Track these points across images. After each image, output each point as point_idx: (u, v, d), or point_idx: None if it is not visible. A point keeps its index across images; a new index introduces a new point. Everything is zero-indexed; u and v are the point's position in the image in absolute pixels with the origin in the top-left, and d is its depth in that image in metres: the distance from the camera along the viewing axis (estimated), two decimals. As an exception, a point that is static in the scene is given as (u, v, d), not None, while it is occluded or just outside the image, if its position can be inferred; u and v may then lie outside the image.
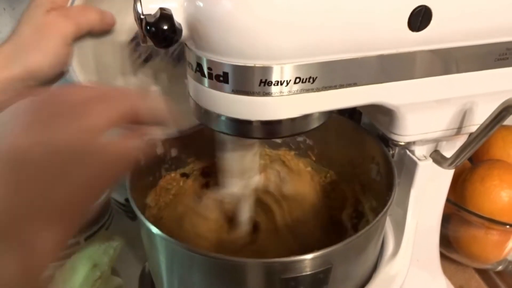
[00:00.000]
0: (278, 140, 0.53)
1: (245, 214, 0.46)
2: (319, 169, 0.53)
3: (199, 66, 0.32)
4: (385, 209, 0.35)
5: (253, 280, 0.34)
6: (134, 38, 0.44)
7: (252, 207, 0.46)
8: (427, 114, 0.37)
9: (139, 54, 0.44)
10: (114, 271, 0.59)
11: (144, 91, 0.44)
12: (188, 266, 0.35)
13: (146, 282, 0.61)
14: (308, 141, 0.52)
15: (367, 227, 0.34)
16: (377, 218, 0.35)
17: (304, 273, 0.33)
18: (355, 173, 0.48)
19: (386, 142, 0.42)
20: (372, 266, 0.41)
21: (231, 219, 0.46)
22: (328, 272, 0.34)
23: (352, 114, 0.56)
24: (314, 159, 0.53)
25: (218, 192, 0.45)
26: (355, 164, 0.48)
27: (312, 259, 0.33)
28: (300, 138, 0.52)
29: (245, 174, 0.44)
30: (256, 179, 0.46)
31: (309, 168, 0.53)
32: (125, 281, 0.58)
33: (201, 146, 0.50)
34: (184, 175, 0.52)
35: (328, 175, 0.52)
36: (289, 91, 0.31)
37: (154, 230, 0.34)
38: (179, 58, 0.45)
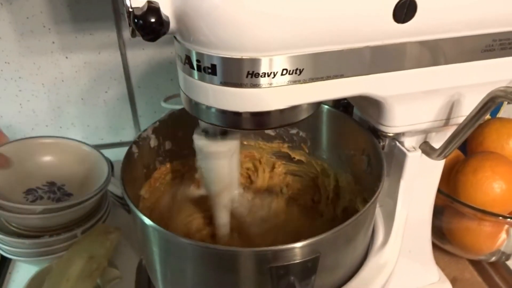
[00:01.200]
0: (272, 133, 0.54)
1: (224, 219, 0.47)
2: (311, 160, 0.53)
3: (188, 58, 0.32)
4: (373, 199, 0.36)
5: (244, 269, 0.35)
6: None
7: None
8: (415, 105, 0.37)
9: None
10: (111, 263, 0.60)
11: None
12: (180, 256, 0.36)
13: (143, 274, 0.62)
14: (301, 133, 0.52)
15: (355, 216, 0.35)
16: (365, 208, 0.35)
17: (293, 261, 0.33)
18: (347, 165, 0.49)
19: (377, 134, 0.43)
20: (362, 256, 0.42)
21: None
22: (316, 261, 0.34)
23: (346, 107, 0.56)
24: (307, 151, 0.53)
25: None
26: (347, 156, 0.48)
27: (301, 247, 0.33)
28: (293, 131, 0.53)
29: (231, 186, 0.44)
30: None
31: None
32: (122, 273, 0.59)
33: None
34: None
35: (321, 166, 0.53)
36: (277, 82, 0.31)
37: (147, 221, 0.35)
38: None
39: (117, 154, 0.71)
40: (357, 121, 0.45)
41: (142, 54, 0.79)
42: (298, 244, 0.33)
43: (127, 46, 0.77)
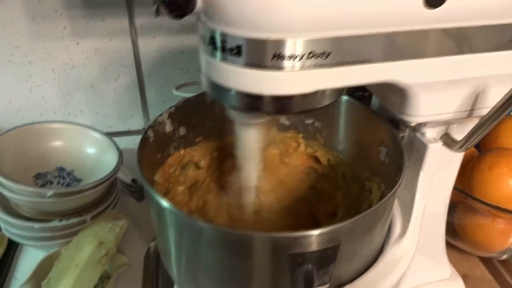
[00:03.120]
0: (286, 122, 0.53)
1: (251, 196, 0.46)
2: (326, 152, 0.53)
3: (212, 39, 0.32)
4: (394, 189, 0.35)
5: (260, 255, 0.34)
6: None
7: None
8: (440, 94, 0.36)
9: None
10: (119, 251, 0.60)
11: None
12: (196, 240, 0.35)
13: (151, 261, 0.62)
14: (316, 123, 0.52)
15: (376, 206, 0.34)
16: (386, 198, 0.35)
17: (311, 250, 0.33)
18: (363, 156, 0.48)
19: (396, 124, 0.42)
20: (379, 248, 0.41)
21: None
22: (336, 249, 0.34)
23: (361, 98, 0.56)
24: (322, 142, 0.52)
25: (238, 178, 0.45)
26: (364, 147, 0.48)
27: (320, 235, 0.33)
28: (308, 121, 0.52)
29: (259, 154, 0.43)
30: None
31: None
32: (130, 260, 0.59)
33: (209, 126, 0.51)
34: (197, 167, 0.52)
35: (335, 158, 0.52)
36: (302, 66, 0.31)
37: (163, 203, 0.35)
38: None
39: (125, 143, 0.71)
40: (375, 111, 0.45)
41: (153, 43, 0.78)
42: (317, 231, 0.32)
43: (139, 33, 0.76)
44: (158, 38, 0.78)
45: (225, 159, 0.51)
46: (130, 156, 0.71)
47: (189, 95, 0.50)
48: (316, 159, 0.53)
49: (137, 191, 0.70)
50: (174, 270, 0.41)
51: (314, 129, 0.52)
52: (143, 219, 0.67)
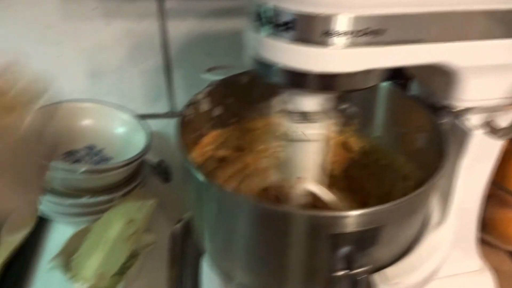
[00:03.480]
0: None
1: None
2: (359, 138, 0.52)
3: (263, 13, 0.31)
4: (440, 173, 0.35)
5: (301, 233, 0.34)
6: None
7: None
8: (488, 79, 0.36)
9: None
10: (146, 230, 0.60)
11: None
12: (234, 216, 0.35)
13: (177, 242, 0.62)
14: (351, 109, 0.51)
15: (420, 189, 0.34)
16: (430, 182, 0.34)
17: (353, 230, 0.33)
18: (399, 142, 0.48)
19: (436, 111, 0.42)
20: (415, 235, 0.41)
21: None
22: (378, 232, 0.33)
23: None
24: (355, 128, 0.52)
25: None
26: (400, 133, 0.47)
27: (362, 215, 0.32)
28: (344, 105, 0.51)
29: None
30: None
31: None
32: (156, 240, 0.59)
33: (244, 107, 0.50)
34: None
35: (369, 144, 0.52)
36: (354, 43, 0.30)
37: (202, 178, 0.35)
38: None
39: (151, 125, 0.71)
40: (415, 97, 0.44)
41: (182, 26, 0.78)
42: (361, 212, 0.32)
43: (168, 17, 0.76)
44: (187, 22, 0.78)
45: (257, 140, 0.51)
46: (157, 138, 0.72)
47: (218, 77, 0.49)
48: (347, 147, 0.53)
49: (164, 173, 0.70)
50: (208, 247, 0.41)
51: (349, 114, 0.52)
52: (168, 200, 0.67)
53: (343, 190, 0.54)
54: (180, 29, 0.78)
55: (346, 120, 0.52)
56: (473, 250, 0.54)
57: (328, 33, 0.30)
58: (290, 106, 0.37)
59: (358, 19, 0.29)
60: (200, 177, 0.35)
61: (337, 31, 0.30)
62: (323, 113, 0.38)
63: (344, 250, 0.34)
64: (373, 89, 0.46)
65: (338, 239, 0.33)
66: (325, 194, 0.43)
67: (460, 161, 0.41)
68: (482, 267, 0.55)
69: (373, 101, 0.48)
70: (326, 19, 0.29)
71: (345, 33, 0.30)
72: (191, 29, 0.79)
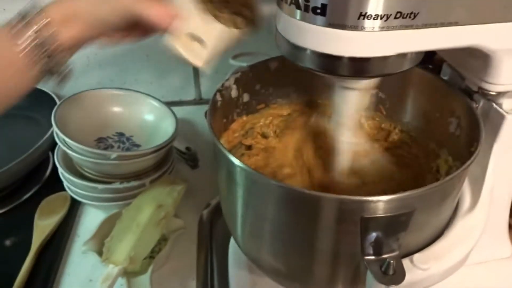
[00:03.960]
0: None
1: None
2: (388, 123, 0.52)
3: (295, -3, 0.31)
4: (472, 159, 0.34)
5: (333, 216, 0.34)
6: None
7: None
8: (525, 62, 0.35)
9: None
10: (175, 215, 0.61)
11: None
12: (266, 200, 0.36)
13: (205, 227, 0.63)
14: (380, 94, 0.51)
15: (452, 175, 0.34)
16: (464, 166, 0.34)
17: (386, 215, 0.33)
18: (429, 128, 0.47)
19: (469, 95, 0.41)
20: (447, 221, 0.40)
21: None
22: (410, 216, 0.33)
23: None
24: (384, 113, 0.52)
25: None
26: (431, 119, 0.46)
27: (395, 200, 0.32)
28: (372, 91, 0.51)
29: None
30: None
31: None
32: (185, 225, 0.60)
33: (272, 93, 0.51)
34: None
35: (397, 130, 0.51)
36: (388, 26, 0.30)
37: (235, 160, 0.35)
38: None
39: (178, 113, 0.72)
40: (447, 81, 0.44)
41: (208, 13, 0.78)
42: (393, 197, 0.32)
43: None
44: (212, 9, 0.78)
45: (287, 127, 0.51)
46: (183, 125, 0.73)
47: (244, 64, 0.50)
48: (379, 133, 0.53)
49: (191, 159, 0.71)
50: (238, 231, 0.41)
51: (377, 100, 0.51)
52: (196, 186, 0.68)
53: (377, 178, 0.54)
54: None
55: (374, 105, 0.52)
56: (505, 236, 0.53)
57: (361, 16, 0.30)
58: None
59: (389, 2, 0.29)
60: (233, 159, 0.35)
61: (370, 14, 0.29)
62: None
63: (374, 234, 0.34)
64: (404, 73, 0.46)
65: (368, 223, 0.33)
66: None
67: (493, 146, 0.40)
68: (512, 254, 0.54)
69: (402, 85, 0.48)
70: (359, 2, 0.29)
71: (378, 17, 0.29)
72: (217, 16, 0.79)
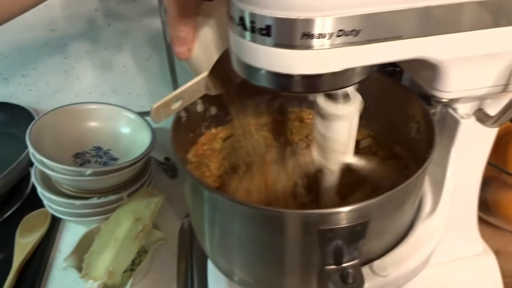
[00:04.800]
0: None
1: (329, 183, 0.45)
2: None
3: (242, 19, 0.32)
4: (424, 166, 0.35)
5: (292, 230, 0.35)
6: None
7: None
8: (473, 69, 0.36)
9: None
10: (155, 226, 0.62)
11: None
12: (229, 217, 0.37)
13: (185, 236, 0.64)
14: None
15: (406, 183, 0.34)
16: (416, 174, 0.35)
17: (341, 225, 0.34)
18: (394, 132, 0.48)
19: (428, 100, 0.42)
20: (409, 224, 0.41)
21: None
22: (366, 226, 0.34)
23: (392, 74, 0.55)
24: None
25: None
26: (395, 124, 0.47)
27: (350, 211, 0.33)
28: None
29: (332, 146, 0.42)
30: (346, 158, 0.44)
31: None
32: (165, 235, 0.61)
33: (240, 104, 0.51)
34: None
35: (367, 135, 0.52)
36: (332, 44, 0.31)
37: (197, 182, 0.36)
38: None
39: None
40: (407, 88, 0.44)
41: (183, 22, 0.79)
42: (347, 208, 0.33)
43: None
44: (187, 18, 0.79)
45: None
46: (163, 135, 0.74)
47: None
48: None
49: (170, 169, 0.72)
50: (207, 245, 0.42)
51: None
52: (176, 195, 0.69)
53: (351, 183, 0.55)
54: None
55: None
56: (475, 234, 0.54)
57: (305, 36, 0.30)
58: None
59: (331, 22, 0.29)
60: (195, 180, 0.36)
61: (312, 34, 0.30)
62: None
63: (333, 245, 0.35)
64: (365, 80, 0.47)
65: (326, 235, 0.34)
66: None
67: (451, 149, 0.41)
68: (485, 250, 0.55)
69: (366, 91, 0.48)
70: (302, 23, 0.30)
71: (320, 36, 0.30)
72: (192, 24, 0.80)
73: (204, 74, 0.41)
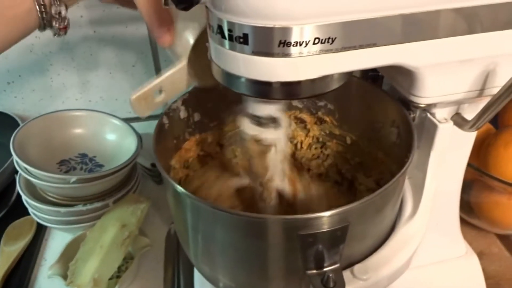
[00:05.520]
0: (299, 105, 0.54)
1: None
2: (339, 134, 0.53)
3: (220, 28, 0.32)
4: (403, 170, 0.36)
5: (273, 236, 0.35)
6: None
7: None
8: (448, 75, 0.36)
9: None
10: (141, 232, 0.62)
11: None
12: (211, 224, 0.37)
13: (172, 242, 0.64)
14: (329, 105, 0.52)
15: (384, 187, 0.35)
16: (394, 179, 0.35)
17: (321, 230, 0.34)
18: (375, 137, 0.49)
19: (407, 105, 0.42)
20: (390, 227, 0.42)
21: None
22: (345, 230, 0.34)
23: (375, 78, 0.56)
24: (335, 124, 0.53)
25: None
26: (376, 128, 0.48)
27: (330, 216, 0.33)
28: (321, 103, 0.52)
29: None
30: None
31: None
32: (152, 241, 0.61)
33: (223, 110, 0.52)
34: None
35: (349, 139, 0.53)
36: (309, 51, 0.31)
37: (179, 188, 0.36)
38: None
39: (145, 127, 0.72)
40: (387, 93, 0.45)
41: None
42: (327, 213, 0.33)
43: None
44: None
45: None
46: (150, 140, 0.74)
47: None
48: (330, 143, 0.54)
49: (156, 175, 0.72)
50: (191, 251, 0.42)
51: (327, 111, 0.53)
52: (163, 201, 0.69)
53: (334, 185, 0.56)
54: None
55: (325, 117, 0.53)
56: (458, 235, 0.54)
57: (282, 44, 0.31)
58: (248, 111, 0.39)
59: (307, 30, 0.30)
60: (177, 187, 0.36)
61: (288, 42, 0.30)
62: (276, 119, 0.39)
63: (314, 249, 0.35)
64: (345, 85, 0.47)
65: (306, 239, 0.34)
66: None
67: (430, 153, 0.42)
68: (468, 251, 0.56)
69: (347, 96, 0.49)
70: (279, 31, 0.30)
71: (298, 43, 0.31)
72: (178, 30, 0.80)
73: (183, 63, 0.41)
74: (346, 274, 0.37)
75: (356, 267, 0.37)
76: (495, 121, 0.65)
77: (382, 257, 0.38)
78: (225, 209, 0.35)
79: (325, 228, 0.34)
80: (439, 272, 0.53)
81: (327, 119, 0.53)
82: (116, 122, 0.68)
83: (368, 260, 0.38)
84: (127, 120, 0.70)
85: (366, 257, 0.39)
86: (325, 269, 0.36)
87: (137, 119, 0.87)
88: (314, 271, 0.36)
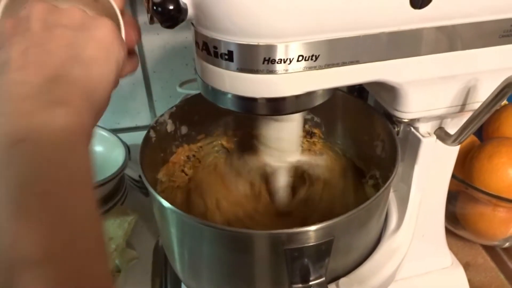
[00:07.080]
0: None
1: (282, 182, 0.47)
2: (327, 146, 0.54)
3: (205, 45, 0.33)
4: (387, 184, 0.36)
5: (259, 250, 0.36)
6: None
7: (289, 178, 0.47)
8: (431, 91, 0.37)
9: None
10: (129, 245, 0.62)
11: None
12: (197, 238, 0.37)
13: (160, 254, 0.63)
14: (316, 118, 0.53)
15: (369, 201, 0.35)
16: (379, 193, 0.36)
17: (307, 244, 0.34)
18: (361, 150, 0.49)
19: (391, 119, 0.43)
20: (375, 240, 0.42)
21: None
22: (330, 244, 0.35)
23: (361, 92, 0.56)
24: (322, 137, 0.53)
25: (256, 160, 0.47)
26: (362, 142, 0.48)
27: (315, 231, 0.34)
28: (308, 116, 0.53)
29: (282, 146, 0.44)
30: (296, 156, 0.46)
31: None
32: (139, 254, 0.61)
33: (211, 123, 0.52)
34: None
35: (335, 153, 0.53)
36: (293, 69, 0.32)
37: (165, 203, 0.36)
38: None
39: (133, 138, 0.72)
40: (372, 107, 0.46)
41: (157, 39, 0.79)
42: (312, 228, 0.34)
43: (142, 30, 0.77)
44: (162, 35, 0.79)
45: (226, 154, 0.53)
46: (137, 152, 0.74)
47: (193, 92, 0.50)
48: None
49: (144, 186, 0.71)
50: (177, 265, 0.42)
51: (314, 124, 0.53)
52: (151, 213, 0.68)
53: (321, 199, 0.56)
54: (155, 42, 0.79)
55: (312, 130, 0.54)
56: (444, 247, 0.55)
57: (267, 61, 0.31)
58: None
59: (290, 48, 0.30)
60: (163, 201, 0.36)
61: (273, 59, 0.31)
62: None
63: (299, 263, 0.35)
64: (331, 99, 0.48)
65: (291, 254, 0.34)
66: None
67: (414, 167, 0.42)
68: (454, 263, 0.56)
69: (333, 110, 0.50)
70: (263, 49, 0.31)
71: (282, 60, 0.31)
72: (167, 41, 0.80)
73: None
74: (332, 287, 0.37)
75: (342, 281, 0.37)
76: (479, 134, 0.66)
77: (368, 270, 0.39)
78: (211, 224, 0.36)
79: (311, 242, 0.34)
80: (425, 284, 0.53)
81: (315, 131, 0.54)
82: (104, 133, 0.68)
83: (354, 273, 0.38)
84: (115, 131, 0.70)
85: (351, 271, 0.39)
86: (310, 283, 0.36)
87: (125, 129, 0.87)
88: (300, 285, 0.36)
